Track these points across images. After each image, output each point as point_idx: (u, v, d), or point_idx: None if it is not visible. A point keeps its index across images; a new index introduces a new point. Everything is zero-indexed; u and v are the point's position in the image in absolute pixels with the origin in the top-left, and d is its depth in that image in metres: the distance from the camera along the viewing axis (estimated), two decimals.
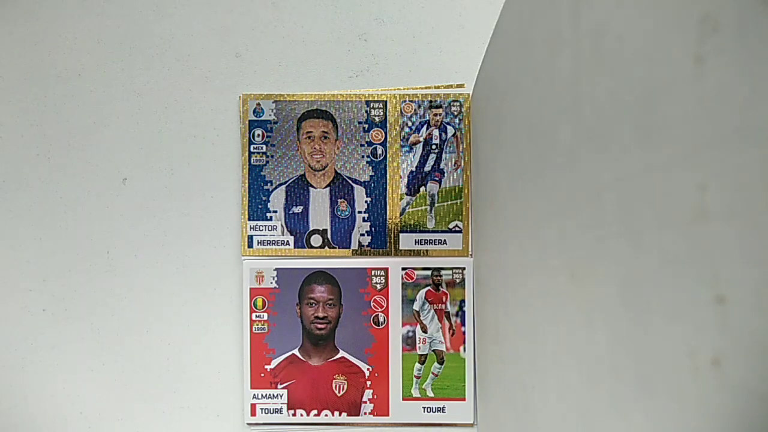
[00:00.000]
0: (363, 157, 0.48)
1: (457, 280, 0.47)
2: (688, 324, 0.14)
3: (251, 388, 0.48)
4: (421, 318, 0.48)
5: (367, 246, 0.47)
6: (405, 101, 0.48)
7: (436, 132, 0.48)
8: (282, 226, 0.48)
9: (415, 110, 0.48)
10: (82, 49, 0.48)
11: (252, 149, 0.48)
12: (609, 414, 0.18)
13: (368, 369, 0.48)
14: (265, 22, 0.49)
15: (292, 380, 0.48)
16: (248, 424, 0.48)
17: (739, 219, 0.12)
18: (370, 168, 0.48)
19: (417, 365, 0.47)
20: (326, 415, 0.48)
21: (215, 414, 0.48)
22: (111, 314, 0.48)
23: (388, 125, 0.48)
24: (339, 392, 0.48)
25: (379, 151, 0.48)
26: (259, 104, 0.48)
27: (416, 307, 0.48)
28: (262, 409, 0.48)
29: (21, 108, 0.48)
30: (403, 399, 0.48)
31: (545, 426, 0.26)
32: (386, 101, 0.48)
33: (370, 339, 0.48)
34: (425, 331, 0.48)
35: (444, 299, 0.47)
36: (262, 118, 0.48)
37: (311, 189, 0.48)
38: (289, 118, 0.48)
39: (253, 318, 0.48)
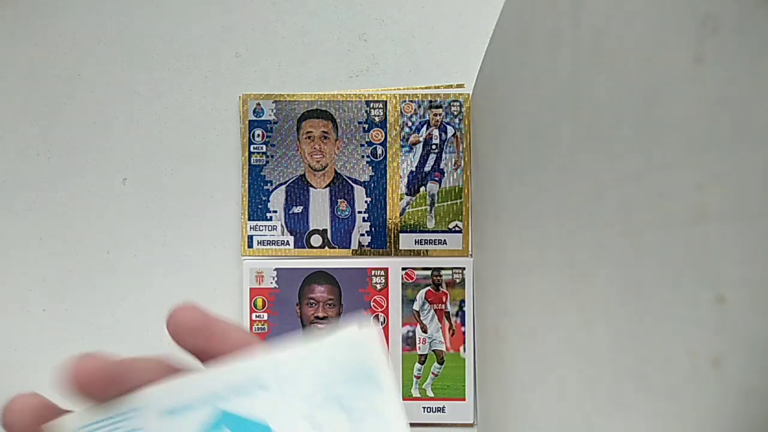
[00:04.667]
0: (363, 157, 0.48)
1: (457, 280, 0.47)
2: (688, 324, 0.14)
3: None
4: (421, 318, 0.47)
5: (367, 246, 0.47)
6: (405, 101, 0.48)
7: (436, 132, 0.48)
8: (282, 226, 0.48)
9: (415, 110, 0.48)
10: (82, 49, 0.48)
11: (252, 149, 0.48)
12: (609, 414, 0.18)
13: None
14: (265, 22, 0.49)
15: None
16: None
17: (739, 219, 0.12)
18: (370, 168, 0.48)
19: (417, 365, 0.47)
20: None
21: None
22: (111, 314, 0.48)
23: (388, 125, 0.48)
24: None
25: (379, 151, 0.48)
26: (259, 104, 0.48)
27: (416, 307, 0.47)
28: None
29: (21, 108, 0.48)
30: (403, 399, 0.47)
31: (545, 426, 0.26)
32: (386, 101, 0.48)
33: None
34: (425, 331, 0.47)
35: (444, 299, 0.47)
36: (262, 118, 0.48)
37: (311, 189, 0.48)
38: (289, 118, 0.48)
39: (253, 318, 0.48)
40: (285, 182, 0.48)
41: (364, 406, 0.25)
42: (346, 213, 0.48)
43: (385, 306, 0.47)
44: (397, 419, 0.24)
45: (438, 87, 0.48)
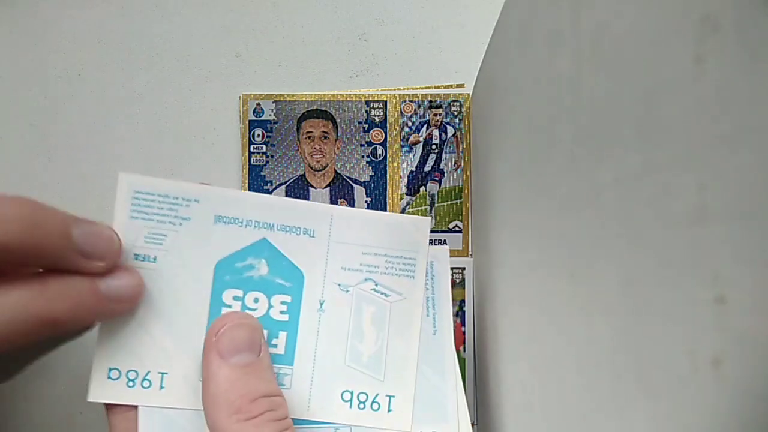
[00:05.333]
0: (363, 157, 0.48)
1: (457, 280, 0.47)
2: (688, 324, 0.14)
3: None
4: None
5: None
6: (405, 101, 0.48)
7: (436, 132, 0.48)
8: None
9: (415, 110, 0.48)
10: (82, 49, 0.48)
11: (252, 149, 0.48)
12: (609, 414, 0.18)
13: None
14: (265, 22, 0.49)
15: None
16: None
17: (739, 219, 0.12)
18: (370, 168, 0.48)
19: None
20: None
21: None
22: None
23: (388, 125, 0.48)
24: None
25: (379, 151, 0.48)
26: (259, 104, 0.48)
27: None
28: None
29: (21, 108, 0.48)
30: None
31: (545, 426, 0.26)
32: (386, 101, 0.48)
33: None
34: None
35: None
36: (262, 118, 0.48)
37: (311, 189, 0.48)
38: (289, 118, 0.48)
39: None
40: (285, 182, 0.48)
41: (394, 286, 0.26)
42: None
43: None
44: (416, 305, 0.25)
45: (438, 87, 0.48)
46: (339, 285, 0.26)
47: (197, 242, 0.25)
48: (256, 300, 0.25)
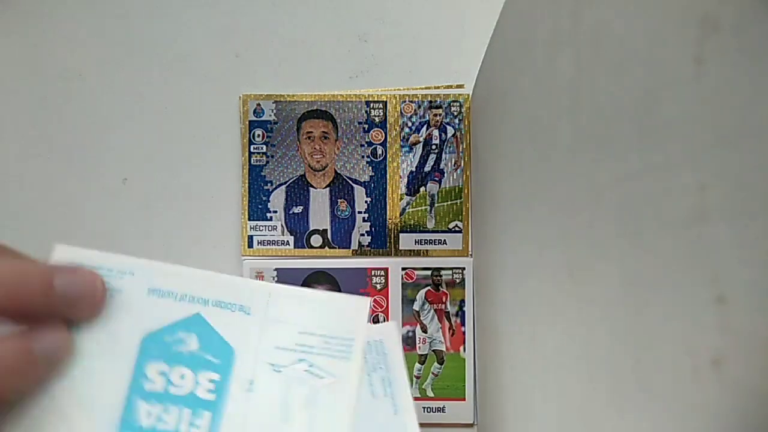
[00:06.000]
0: (363, 157, 0.48)
1: (457, 280, 0.47)
2: (688, 324, 0.14)
3: None
4: (421, 318, 0.47)
5: (367, 246, 0.47)
6: (405, 101, 0.48)
7: (436, 132, 0.48)
8: (282, 226, 0.48)
9: (415, 110, 0.48)
10: (82, 49, 0.48)
11: (252, 149, 0.48)
12: (609, 414, 0.18)
13: None
14: (265, 22, 0.49)
15: None
16: None
17: (739, 219, 0.12)
18: (370, 168, 0.48)
19: (417, 365, 0.47)
20: None
21: None
22: None
23: (388, 125, 0.48)
24: None
25: (379, 152, 0.48)
26: (259, 104, 0.48)
27: (416, 307, 0.47)
28: None
29: (21, 108, 0.48)
30: None
31: (545, 426, 0.26)
32: (386, 101, 0.48)
33: None
34: (425, 331, 0.48)
35: (444, 299, 0.47)
36: (262, 119, 0.48)
37: (311, 189, 0.48)
38: (289, 118, 0.48)
39: None
40: (285, 182, 0.48)
41: (329, 368, 0.25)
42: (346, 213, 0.48)
43: (384, 306, 0.47)
44: (349, 391, 0.24)
45: (438, 87, 0.48)
46: (271, 365, 0.25)
47: (126, 314, 0.24)
48: (182, 377, 0.23)
